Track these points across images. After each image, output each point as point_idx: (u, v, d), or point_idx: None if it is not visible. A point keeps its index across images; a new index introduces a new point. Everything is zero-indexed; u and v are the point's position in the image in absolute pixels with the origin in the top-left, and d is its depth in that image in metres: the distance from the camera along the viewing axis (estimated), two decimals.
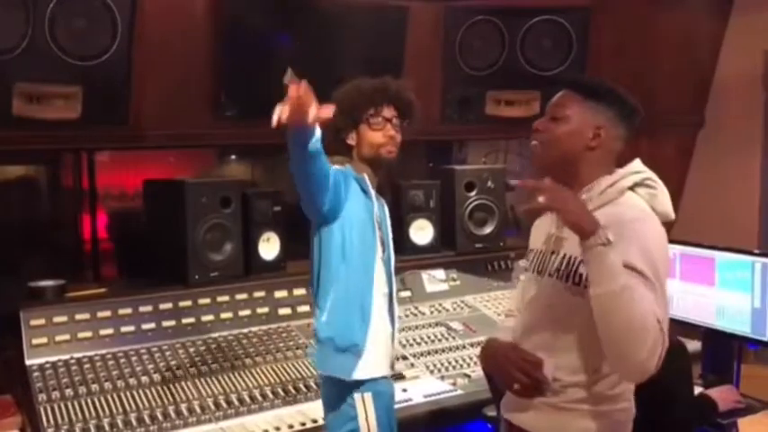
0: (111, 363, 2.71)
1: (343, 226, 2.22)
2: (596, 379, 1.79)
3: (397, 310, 2.46)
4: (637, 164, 1.88)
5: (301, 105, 1.81)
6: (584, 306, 1.70)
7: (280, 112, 1.80)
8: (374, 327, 2.25)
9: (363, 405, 2.21)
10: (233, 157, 4.43)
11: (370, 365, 2.23)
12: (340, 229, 2.22)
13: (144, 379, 2.67)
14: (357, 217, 2.25)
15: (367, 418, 2.21)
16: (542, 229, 1.96)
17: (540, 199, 1.66)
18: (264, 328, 3.06)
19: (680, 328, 3.00)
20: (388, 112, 2.34)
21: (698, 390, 2.59)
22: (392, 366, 2.38)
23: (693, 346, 2.89)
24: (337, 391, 2.24)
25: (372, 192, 2.33)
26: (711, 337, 2.89)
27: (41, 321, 2.72)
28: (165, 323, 2.90)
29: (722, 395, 2.57)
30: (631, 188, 1.82)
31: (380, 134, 2.31)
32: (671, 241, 3.21)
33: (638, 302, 1.61)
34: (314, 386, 2.77)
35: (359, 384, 2.21)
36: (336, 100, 2.24)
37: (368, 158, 2.33)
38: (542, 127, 1.87)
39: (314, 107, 1.84)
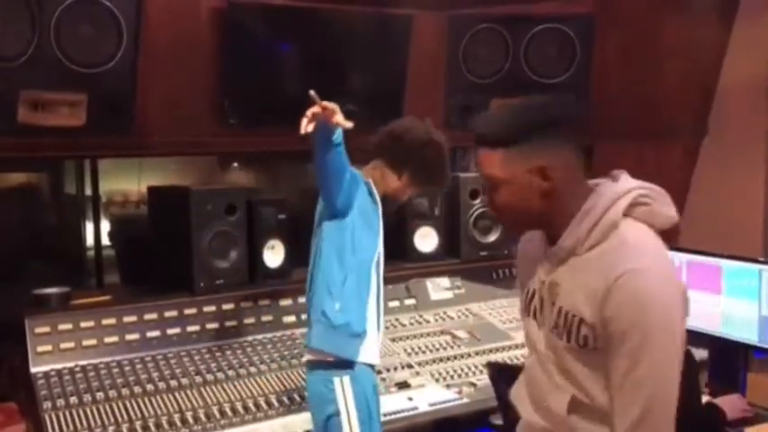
0: (115, 371, 2.71)
1: (354, 221, 2.38)
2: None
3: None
4: (624, 181, 1.59)
5: (326, 114, 2.11)
6: (595, 365, 1.54)
7: (307, 121, 2.10)
8: (371, 318, 2.42)
9: (342, 387, 2.33)
10: (235, 164, 4.44)
11: (368, 352, 2.40)
12: (351, 224, 2.38)
13: (149, 387, 2.66)
14: (366, 216, 2.42)
15: (346, 400, 2.32)
16: (532, 261, 1.70)
17: None
18: (269, 335, 3.05)
19: (686, 336, 3.00)
20: None
21: (705, 399, 2.58)
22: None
23: (700, 354, 2.87)
24: (321, 377, 2.37)
25: (378, 201, 2.50)
26: (718, 345, 2.88)
27: (46, 329, 2.71)
28: (170, 331, 2.90)
29: (730, 404, 2.56)
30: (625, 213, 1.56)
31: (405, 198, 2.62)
32: (677, 249, 3.21)
33: None
34: None
35: (343, 367, 2.34)
36: (436, 162, 2.54)
37: (391, 194, 2.55)
38: (487, 200, 1.66)
39: (339, 114, 2.13)
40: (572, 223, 1.56)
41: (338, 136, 2.19)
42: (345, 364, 2.35)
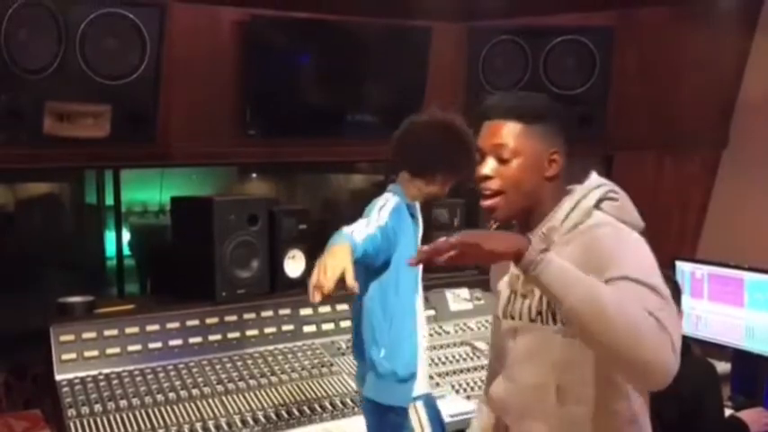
0: (138, 379, 2.73)
1: (398, 263, 2.30)
2: (613, 419, 1.60)
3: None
4: (595, 178, 1.69)
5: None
6: (577, 350, 1.52)
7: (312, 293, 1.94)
8: (420, 350, 2.39)
9: (417, 413, 2.34)
10: (254, 175, 4.48)
11: (420, 385, 2.39)
12: (395, 267, 2.31)
13: (171, 395, 2.68)
14: (408, 250, 2.31)
15: (421, 424, 2.34)
16: (502, 267, 1.74)
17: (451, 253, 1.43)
18: (290, 345, 3.06)
19: (708, 348, 2.98)
20: None
21: (728, 412, 2.57)
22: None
23: (722, 367, 2.86)
24: (386, 411, 2.33)
25: (419, 216, 2.47)
26: (741, 358, 2.86)
27: (71, 337, 2.74)
28: (192, 340, 2.91)
29: (753, 417, 2.55)
30: (595, 206, 1.63)
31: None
32: (699, 261, 3.19)
33: (614, 295, 1.40)
34: (339, 404, 2.77)
35: (397, 412, 2.33)
36: (460, 146, 2.38)
37: (432, 197, 2.47)
38: (494, 172, 1.61)
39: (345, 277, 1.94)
40: (549, 215, 1.63)
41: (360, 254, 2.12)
42: (400, 410, 2.33)
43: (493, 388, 1.80)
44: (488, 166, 1.62)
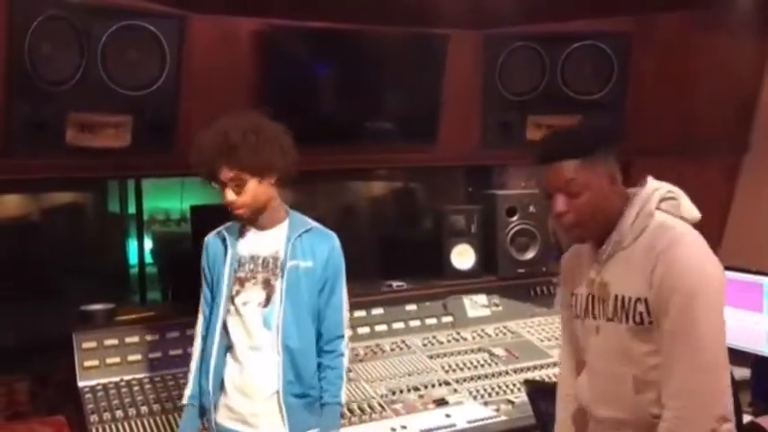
0: (159, 385, 2.77)
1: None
2: None
3: (269, 358, 2.36)
4: (652, 182, 1.86)
5: None
6: (651, 341, 1.73)
7: None
8: (215, 381, 2.34)
9: None
10: None
11: (213, 418, 2.33)
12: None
13: None
14: (216, 283, 2.38)
15: None
16: (578, 270, 1.93)
17: None
18: None
19: (728, 354, 2.95)
20: (225, 174, 2.26)
21: (747, 418, 2.55)
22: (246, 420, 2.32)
23: (742, 373, 2.84)
24: None
25: (228, 241, 2.39)
26: (760, 363, 2.84)
27: (93, 344, 2.79)
28: None
29: None
30: (656, 207, 1.82)
31: (224, 198, 2.31)
32: None
33: None
34: (357, 410, 2.80)
35: None
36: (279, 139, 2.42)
37: (263, 201, 2.39)
38: (567, 207, 1.79)
39: None
40: (619, 222, 1.81)
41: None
42: None
43: (579, 379, 1.96)
44: (561, 202, 1.79)
